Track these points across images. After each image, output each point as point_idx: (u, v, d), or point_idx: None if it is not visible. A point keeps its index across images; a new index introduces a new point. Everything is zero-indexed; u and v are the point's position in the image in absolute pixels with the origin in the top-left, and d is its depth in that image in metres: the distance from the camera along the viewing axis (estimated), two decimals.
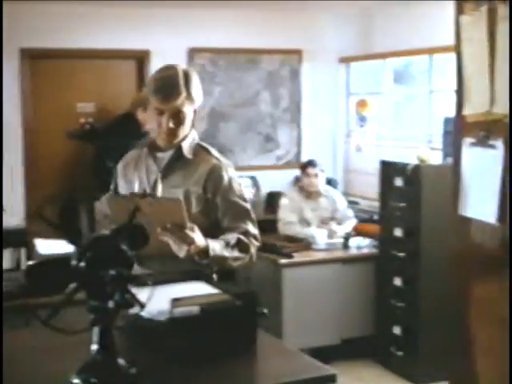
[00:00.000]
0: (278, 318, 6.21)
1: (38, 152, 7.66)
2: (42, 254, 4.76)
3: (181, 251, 2.97)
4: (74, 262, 2.11)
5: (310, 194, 6.95)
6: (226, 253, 3.14)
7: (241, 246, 3.22)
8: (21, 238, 6.74)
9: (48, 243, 4.94)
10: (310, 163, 6.97)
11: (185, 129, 3.32)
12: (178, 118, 3.25)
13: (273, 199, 7.92)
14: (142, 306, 2.13)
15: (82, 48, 7.62)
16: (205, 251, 3.05)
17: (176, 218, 2.92)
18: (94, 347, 2.16)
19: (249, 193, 8.24)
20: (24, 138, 7.57)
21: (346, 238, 6.77)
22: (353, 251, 6.71)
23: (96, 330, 2.16)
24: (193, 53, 8.03)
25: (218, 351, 2.42)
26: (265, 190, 8.29)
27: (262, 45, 8.21)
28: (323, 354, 5.76)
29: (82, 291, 2.14)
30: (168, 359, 2.36)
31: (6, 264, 7.10)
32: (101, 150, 6.87)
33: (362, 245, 6.74)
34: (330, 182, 7.61)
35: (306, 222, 6.87)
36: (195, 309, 2.42)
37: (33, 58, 7.54)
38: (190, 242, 2.95)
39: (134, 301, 2.11)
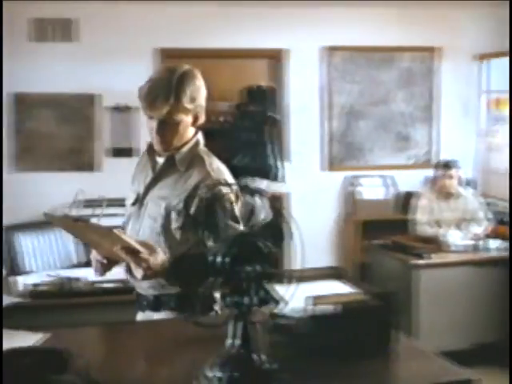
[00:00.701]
0: (408, 319, 6.13)
1: None
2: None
3: (138, 274, 2.77)
4: (214, 258, 2.13)
5: (445, 194, 6.83)
6: None
7: None
8: None
9: None
10: (449, 164, 6.81)
11: (180, 137, 3.08)
12: (167, 125, 3.02)
13: (406, 199, 7.83)
14: (281, 302, 2.14)
15: (218, 48, 7.74)
16: None
17: (121, 243, 2.71)
18: (233, 341, 2.17)
19: (380, 193, 8.18)
20: None
21: (482, 240, 6.61)
22: (488, 254, 6.54)
23: (235, 325, 2.17)
24: (329, 51, 8.04)
25: (354, 350, 2.40)
26: (398, 189, 8.21)
27: (397, 42, 8.15)
28: (452, 358, 5.62)
29: (220, 286, 2.16)
30: (305, 356, 2.36)
31: None
32: (228, 148, 6.95)
33: (497, 247, 6.57)
34: (467, 182, 7.45)
35: (440, 223, 6.76)
36: (333, 307, 2.41)
37: (170, 57, 7.69)
38: (145, 266, 2.73)
39: (272, 297, 2.11)
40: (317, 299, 2.44)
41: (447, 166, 6.81)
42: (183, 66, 3.07)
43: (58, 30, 7.53)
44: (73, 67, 7.55)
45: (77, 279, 4.53)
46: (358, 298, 2.60)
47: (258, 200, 6.55)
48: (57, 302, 4.40)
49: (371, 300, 2.55)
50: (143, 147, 8.02)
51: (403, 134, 8.39)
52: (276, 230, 2.26)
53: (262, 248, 2.13)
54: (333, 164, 8.30)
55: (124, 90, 7.57)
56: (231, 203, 2.93)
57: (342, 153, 8.29)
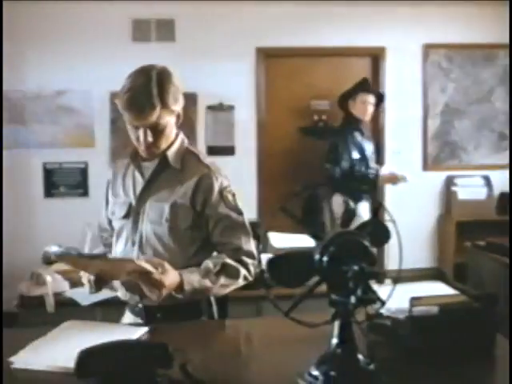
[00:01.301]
0: (508, 323, 6.01)
1: (271, 148, 7.84)
2: (276, 247, 4.86)
3: (153, 295, 2.72)
4: (316, 257, 2.14)
5: None
6: (208, 282, 2.85)
7: (228, 270, 2.90)
8: (253, 232, 6.93)
9: (281, 237, 5.06)
10: None
11: (167, 139, 3.00)
12: (156, 130, 2.91)
13: (505, 200, 7.69)
14: (383, 302, 2.13)
15: (317, 46, 7.75)
16: (182, 286, 2.79)
17: (137, 269, 2.65)
18: (334, 341, 2.18)
19: (479, 193, 8.06)
20: (257, 135, 7.79)
21: None
22: None
23: (336, 324, 2.18)
24: (428, 49, 7.96)
25: (456, 353, 2.37)
26: (498, 190, 8.08)
27: (498, 40, 8.01)
28: None
29: (323, 285, 2.17)
30: (406, 357, 2.35)
31: None
32: (333, 147, 6.91)
33: None
34: None
35: None
36: (434, 308, 2.39)
37: (268, 56, 7.74)
38: (160, 286, 2.67)
39: (374, 297, 2.10)
40: (417, 300, 2.42)
41: None
42: (156, 67, 2.96)
43: (157, 31, 7.64)
44: (172, 67, 7.64)
45: None
46: (458, 299, 2.57)
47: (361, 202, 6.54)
48: None
49: (472, 302, 2.52)
50: (240, 145, 8.07)
51: (503, 133, 8.24)
52: (379, 229, 2.25)
53: (368, 247, 2.13)
54: (432, 163, 8.20)
55: (223, 89, 7.66)
56: (233, 195, 3.02)
57: (441, 152, 8.19)
